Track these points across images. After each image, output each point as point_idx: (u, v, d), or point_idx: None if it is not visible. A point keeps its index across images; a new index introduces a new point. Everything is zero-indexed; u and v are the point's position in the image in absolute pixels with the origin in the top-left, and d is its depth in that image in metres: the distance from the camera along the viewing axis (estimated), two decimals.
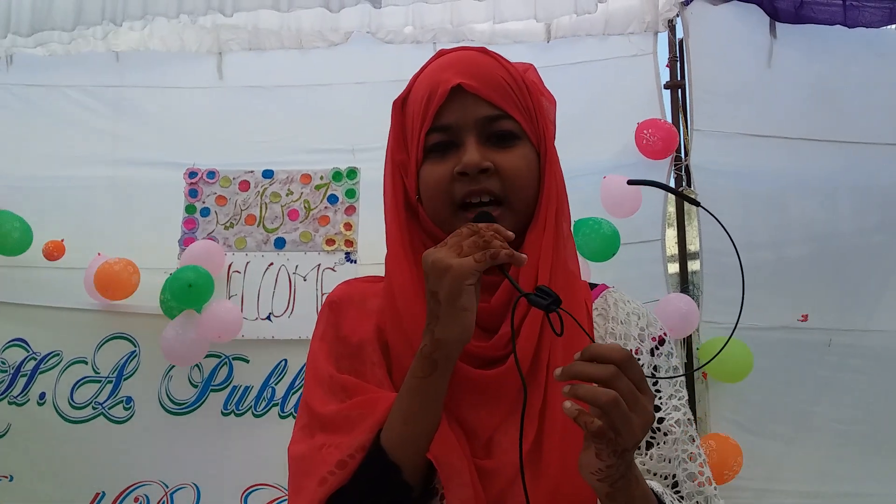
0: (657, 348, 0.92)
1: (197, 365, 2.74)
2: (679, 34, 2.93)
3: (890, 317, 2.77)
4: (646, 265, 2.78)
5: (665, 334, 0.94)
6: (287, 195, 2.80)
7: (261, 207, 2.80)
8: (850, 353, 2.75)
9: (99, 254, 2.71)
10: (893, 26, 2.88)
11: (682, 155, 2.85)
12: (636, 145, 2.77)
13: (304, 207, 2.79)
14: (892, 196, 2.82)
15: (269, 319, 2.73)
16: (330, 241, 2.77)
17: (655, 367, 0.91)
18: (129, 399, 2.76)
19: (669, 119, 2.89)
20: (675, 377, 0.90)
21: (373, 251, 2.67)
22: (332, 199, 2.79)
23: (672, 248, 3.00)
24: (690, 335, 2.74)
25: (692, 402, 2.66)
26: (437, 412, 0.78)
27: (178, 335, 2.59)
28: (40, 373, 2.77)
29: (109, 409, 2.75)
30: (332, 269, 2.74)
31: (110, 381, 2.77)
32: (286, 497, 2.68)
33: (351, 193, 2.79)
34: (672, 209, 2.98)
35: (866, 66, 2.86)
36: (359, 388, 0.83)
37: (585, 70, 2.96)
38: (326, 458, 0.79)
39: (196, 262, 2.63)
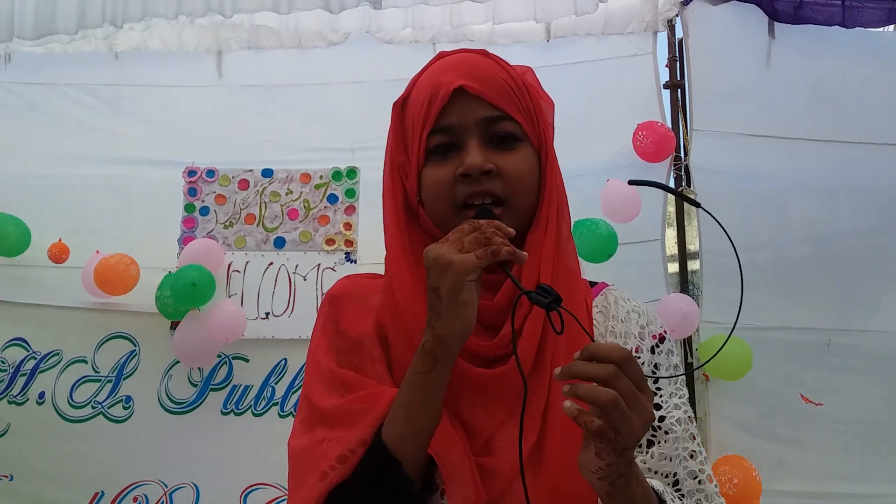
0: (657, 346, 0.92)
1: None
2: (678, 34, 2.93)
3: (889, 317, 2.77)
4: (646, 265, 2.78)
5: (665, 332, 0.95)
6: (287, 194, 2.81)
7: (260, 207, 2.80)
8: (850, 354, 2.75)
9: (97, 252, 2.71)
10: (892, 27, 2.88)
11: (682, 155, 2.85)
12: (633, 147, 2.78)
13: (304, 207, 2.79)
14: (891, 197, 2.82)
15: (269, 319, 2.73)
16: (330, 241, 2.77)
17: (656, 365, 0.91)
18: (129, 398, 2.76)
19: (669, 119, 2.89)
20: (675, 376, 0.90)
21: (372, 251, 2.68)
22: (332, 199, 2.79)
23: (672, 248, 3.00)
24: (690, 336, 2.74)
25: (692, 403, 2.66)
26: (437, 408, 0.78)
27: (188, 336, 2.61)
28: (40, 372, 2.77)
29: (109, 408, 2.75)
30: (332, 269, 2.74)
31: (110, 381, 2.77)
32: (286, 497, 2.68)
33: (351, 193, 2.79)
34: (672, 209, 2.98)
35: (865, 67, 2.86)
36: (359, 383, 0.84)
37: (585, 70, 2.96)
38: (327, 452, 0.79)
39: (195, 261, 2.63)
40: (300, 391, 1.05)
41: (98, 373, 2.77)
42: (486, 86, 0.85)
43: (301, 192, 2.80)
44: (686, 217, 3.00)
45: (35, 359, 2.78)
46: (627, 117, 2.79)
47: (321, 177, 2.81)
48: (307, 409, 0.86)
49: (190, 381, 2.75)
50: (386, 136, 0.93)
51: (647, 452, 0.85)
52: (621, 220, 2.68)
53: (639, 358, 0.90)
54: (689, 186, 2.80)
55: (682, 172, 2.84)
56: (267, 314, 2.73)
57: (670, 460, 0.85)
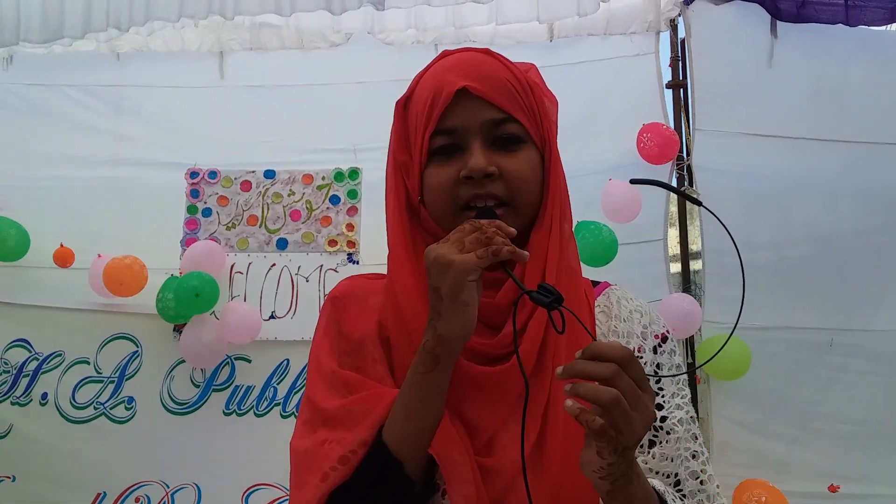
0: (660, 346, 0.92)
1: None
2: (681, 34, 2.93)
3: (892, 317, 2.77)
4: (648, 265, 2.78)
5: (668, 332, 0.95)
6: (289, 195, 2.81)
7: (263, 208, 2.80)
8: (853, 354, 2.75)
9: (99, 255, 2.71)
10: (894, 26, 2.88)
11: (685, 154, 2.85)
12: (637, 149, 2.77)
13: (306, 208, 2.79)
14: (894, 196, 2.82)
15: (272, 320, 2.73)
16: (332, 242, 2.77)
17: (658, 365, 0.91)
18: (131, 399, 2.76)
19: (671, 118, 2.89)
20: (675, 375, 0.90)
21: (375, 252, 2.68)
22: (334, 200, 2.79)
23: (674, 247, 3.00)
24: (692, 336, 2.73)
25: (694, 403, 2.66)
26: (438, 408, 0.78)
27: (197, 337, 2.63)
28: (42, 373, 2.77)
29: (111, 409, 2.76)
30: (335, 270, 2.74)
31: (112, 382, 2.77)
32: (287, 497, 2.69)
33: (353, 194, 2.79)
34: (674, 209, 2.97)
35: (867, 66, 2.86)
36: (360, 384, 0.84)
37: (587, 70, 2.96)
38: (329, 453, 0.79)
39: (198, 263, 2.64)
40: (302, 392, 1.05)
41: (100, 374, 2.78)
42: (490, 86, 0.85)
43: (303, 194, 2.80)
44: (688, 217, 3.00)
45: (37, 360, 2.78)
46: (630, 117, 2.79)
47: (323, 178, 2.81)
48: (309, 410, 0.86)
49: (192, 381, 2.76)
50: (388, 137, 0.93)
51: (649, 452, 0.85)
52: (622, 220, 2.67)
53: (641, 358, 0.89)
54: (692, 186, 2.80)
55: (685, 172, 2.84)
56: (270, 316, 2.74)
57: (672, 460, 0.85)
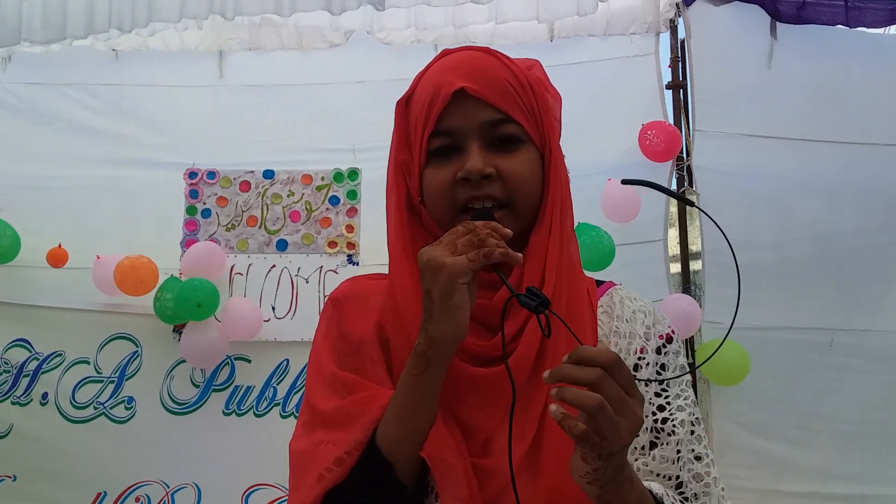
0: (664, 346, 0.91)
1: None
2: (681, 35, 2.93)
3: (892, 317, 2.77)
4: (648, 265, 2.78)
5: (673, 332, 0.93)
6: (288, 196, 2.80)
7: (262, 209, 2.80)
8: (853, 354, 2.75)
9: (98, 257, 2.70)
10: (894, 28, 2.88)
11: (685, 155, 2.85)
12: (640, 147, 2.77)
13: (306, 209, 2.79)
14: (894, 197, 2.82)
15: (272, 321, 2.73)
16: (332, 244, 2.77)
17: (662, 366, 0.89)
18: (131, 399, 2.76)
19: (671, 120, 2.89)
20: (676, 377, 0.89)
21: (375, 253, 2.68)
22: (334, 201, 2.79)
23: (674, 248, 3.00)
24: (693, 336, 2.73)
25: None
26: (431, 410, 0.78)
27: (197, 336, 2.63)
28: (43, 373, 2.78)
29: (111, 409, 2.76)
30: (335, 272, 2.74)
31: (112, 382, 2.77)
32: (287, 497, 2.68)
33: (352, 195, 2.79)
34: (674, 209, 2.97)
35: (867, 68, 2.86)
36: (359, 386, 0.84)
37: (587, 70, 2.96)
38: (325, 454, 0.79)
39: (198, 264, 2.64)
40: (302, 392, 1.05)
41: (100, 374, 2.78)
42: (488, 87, 0.84)
43: (303, 194, 2.80)
44: (688, 217, 3.00)
45: (38, 360, 2.79)
46: (630, 118, 2.79)
47: (322, 178, 2.81)
48: (308, 412, 0.86)
49: (192, 381, 2.76)
50: (388, 137, 0.93)
51: (650, 455, 0.84)
52: (621, 220, 2.68)
53: (643, 359, 0.88)
54: (692, 187, 2.80)
55: (685, 173, 2.84)
56: (270, 317, 2.74)
57: (673, 463, 0.84)
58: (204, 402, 2.75)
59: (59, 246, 2.74)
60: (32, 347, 2.80)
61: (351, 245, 2.76)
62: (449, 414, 0.81)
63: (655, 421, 0.86)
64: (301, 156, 2.90)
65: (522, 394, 0.80)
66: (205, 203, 2.80)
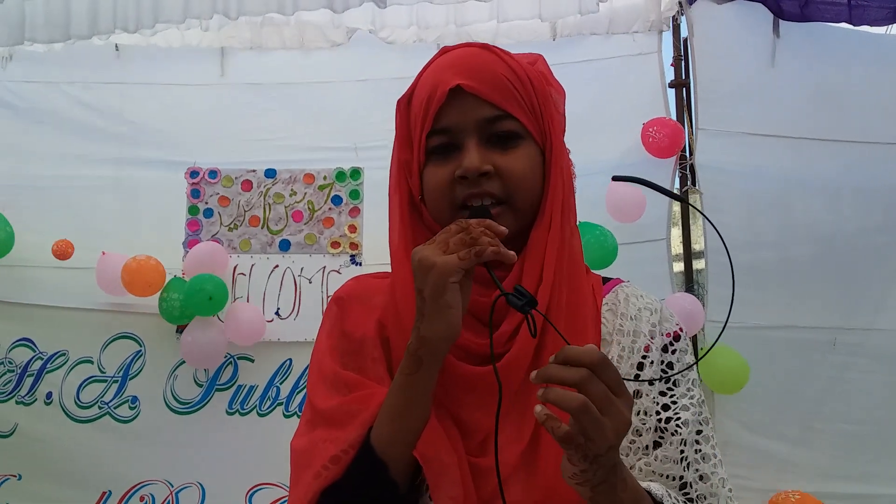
0: (671, 344, 0.89)
1: None
2: (683, 33, 2.93)
3: (894, 317, 2.76)
4: (651, 264, 2.77)
5: (681, 330, 0.91)
6: (290, 195, 2.80)
7: (264, 208, 2.80)
8: (856, 353, 2.74)
9: (103, 252, 2.70)
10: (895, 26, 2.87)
11: (687, 154, 2.85)
12: (642, 144, 2.77)
13: (309, 209, 2.79)
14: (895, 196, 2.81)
15: (275, 321, 2.74)
16: (335, 244, 2.77)
17: (669, 364, 0.88)
18: (135, 398, 2.77)
19: (674, 118, 2.88)
20: (673, 375, 0.88)
21: (378, 253, 2.67)
22: (337, 201, 2.79)
23: (677, 247, 2.99)
24: (696, 335, 2.73)
25: None
26: (424, 409, 0.78)
27: (198, 338, 2.64)
28: (47, 372, 2.78)
29: (115, 408, 2.77)
30: (338, 272, 2.75)
31: (116, 381, 2.78)
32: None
33: (355, 194, 2.79)
34: (677, 208, 2.97)
35: (869, 67, 2.85)
36: (360, 385, 0.84)
37: (590, 69, 2.95)
38: (323, 452, 0.79)
39: (201, 265, 2.64)
40: (304, 392, 1.05)
41: (104, 373, 2.78)
42: (485, 83, 0.83)
43: (305, 194, 2.80)
44: (691, 216, 2.99)
45: (42, 359, 2.79)
46: (633, 116, 2.79)
47: (325, 177, 2.80)
48: (309, 410, 0.86)
49: (195, 381, 2.76)
50: (390, 136, 0.93)
51: (652, 454, 0.83)
52: (625, 219, 2.67)
53: (647, 357, 0.87)
54: (694, 185, 2.79)
55: (688, 171, 2.84)
56: (273, 317, 2.74)
57: (676, 463, 0.82)
58: (207, 402, 2.76)
59: (66, 241, 2.74)
60: (36, 347, 2.81)
61: (354, 245, 2.76)
62: (446, 412, 0.80)
63: (659, 420, 0.84)
64: (303, 154, 2.89)
65: (519, 392, 0.80)
66: (207, 203, 2.81)
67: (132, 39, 2.95)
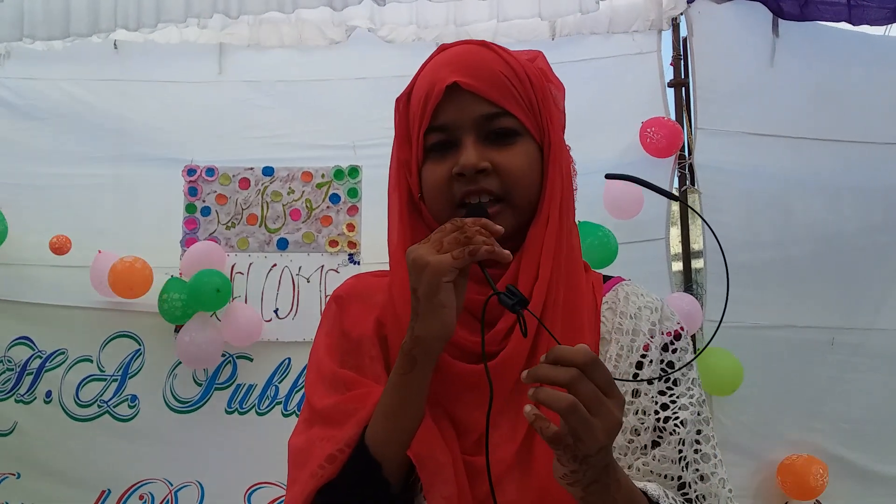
0: (672, 343, 0.89)
1: None
2: (683, 32, 2.93)
3: (894, 316, 2.76)
4: (649, 264, 2.77)
5: (682, 329, 0.91)
6: (288, 194, 2.79)
7: (262, 207, 2.79)
8: (855, 353, 2.74)
9: (100, 251, 2.70)
10: (894, 26, 2.88)
11: (686, 153, 2.85)
12: (641, 144, 2.77)
13: (306, 207, 2.78)
14: (895, 196, 2.81)
15: (273, 321, 2.74)
16: (333, 243, 2.76)
17: (669, 363, 0.88)
18: (134, 397, 2.77)
19: (673, 117, 2.88)
20: (670, 374, 0.87)
21: (376, 252, 2.67)
22: (335, 199, 2.78)
23: (676, 246, 2.99)
24: (694, 335, 2.73)
25: None
26: (418, 408, 0.78)
27: (195, 338, 2.63)
28: (46, 371, 2.78)
29: (114, 407, 2.77)
30: (336, 271, 2.74)
31: (115, 380, 2.78)
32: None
33: (353, 193, 2.78)
34: (675, 208, 2.97)
35: (869, 67, 2.86)
36: (358, 384, 0.84)
37: (589, 68, 2.94)
38: (319, 451, 0.79)
39: (198, 264, 2.64)
40: (303, 391, 1.05)
41: (104, 372, 2.78)
42: (482, 80, 0.83)
43: (303, 192, 2.79)
44: (690, 216, 2.99)
45: (41, 357, 2.79)
46: (632, 115, 2.79)
47: (323, 175, 2.80)
48: (307, 409, 0.87)
49: (195, 380, 2.76)
50: (389, 134, 0.93)
51: (650, 454, 0.83)
52: (623, 216, 2.67)
53: (647, 356, 0.87)
54: (693, 185, 2.79)
55: (687, 171, 2.84)
56: (271, 317, 2.74)
57: (674, 462, 0.82)
58: (206, 401, 2.76)
59: (64, 238, 2.73)
60: (35, 345, 2.81)
61: (352, 244, 2.76)
62: (442, 411, 0.80)
63: (658, 420, 0.84)
64: (300, 152, 2.88)
65: (514, 391, 0.80)
66: (204, 201, 2.79)
67: (130, 36, 2.91)
